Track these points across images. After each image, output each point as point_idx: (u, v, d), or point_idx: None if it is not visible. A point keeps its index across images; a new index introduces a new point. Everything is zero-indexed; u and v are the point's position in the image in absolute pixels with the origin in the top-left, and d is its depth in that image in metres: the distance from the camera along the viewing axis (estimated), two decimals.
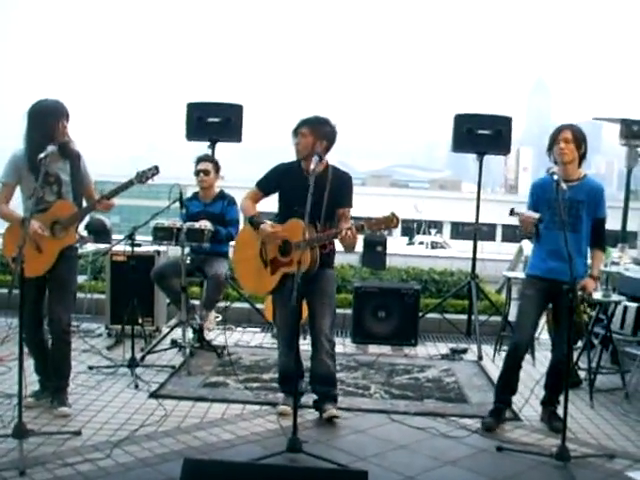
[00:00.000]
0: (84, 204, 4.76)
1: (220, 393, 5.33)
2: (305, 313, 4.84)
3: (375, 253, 9.04)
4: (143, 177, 4.79)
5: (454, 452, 4.35)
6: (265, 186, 4.85)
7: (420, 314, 7.50)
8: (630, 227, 10.17)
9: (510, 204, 5.69)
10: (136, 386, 5.35)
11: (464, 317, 7.95)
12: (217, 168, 6.66)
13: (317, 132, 4.68)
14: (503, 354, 5.17)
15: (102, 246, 7.56)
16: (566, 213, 4.53)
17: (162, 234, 6.01)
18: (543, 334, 6.91)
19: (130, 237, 5.80)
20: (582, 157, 4.75)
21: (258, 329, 7.62)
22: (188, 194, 6.71)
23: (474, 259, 7.85)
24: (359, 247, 9.38)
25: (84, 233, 7.18)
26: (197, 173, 6.56)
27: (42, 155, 4.24)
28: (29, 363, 4.72)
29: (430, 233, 50.56)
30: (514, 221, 4.77)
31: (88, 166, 4.82)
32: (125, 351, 5.94)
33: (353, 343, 7.21)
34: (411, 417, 4.96)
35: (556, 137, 4.70)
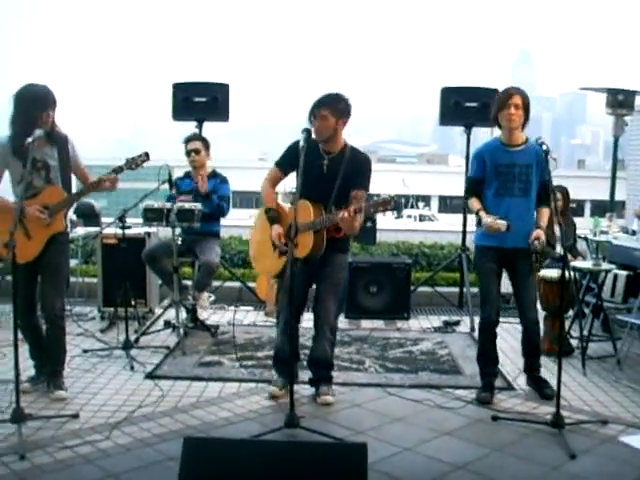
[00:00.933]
0: (73, 189, 4.74)
1: (216, 372, 5.35)
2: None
3: (365, 228, 9.02)
4: (133, 164, 4.79)
5: (450, 423, 4.39)
6: (284, 165, 4.74)
7: (412, 288, 7.54)
8: (617, 197, 10.21)
9: None
10: (132, 368, 5.36)
11: (456, 290, 8.00)
12: (207, 146, 6.63)
13: (337, 112, 4.53)
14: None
15: (92, 229, 7.53)
16: (517, 179, 4.65)
17: (152, 215, 5.99)
18: None
19: (121, 219, 5.78)
20: (526, 122, 4.74)
21: (251, 307, 7.64)
22: (176, 175, 6.68)
23: (464, 232, 7.87)
24: None
25: (73, 217, 7.16)
26: (188, 153, 6.53)
27: (30, 139, 4.22)
28: (24, 349, 4.72)
29: (418, 207, 50.59)
30: None
31: (78, 149, 4.79)
32: (119, 333, 5.95)
33: (346, 318, 7.22)
34: (406, 390, 5.00)
35: (505, 102, 4.64)
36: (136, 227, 6.77)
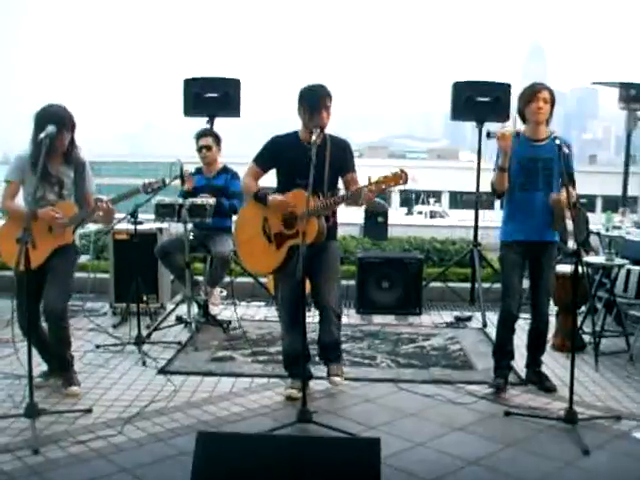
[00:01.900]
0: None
1: (228, 367, 5.36)
2: (308, 287, 4.81)
3: (376, 224, 9.05)
4: (149, 188, 4.95)
5: (463, 418, 4.39)
6: (263, 162, 4.71)
7: (424, 283, 7.52)
8: (630, 192, 10.17)
9: None
10: (144, 363, 5.37)
11: (467, 285, 7.98)
12: (218, 141, 6.65)
13: (331, 100, 4.63)
14: None
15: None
16: (541, 173, 4.68)
17: (164, 211, 5.99)
18: None
19: (133, 215, 5.79)
20: (550, 117, 4.77)
21: (262, 303, 7.64)
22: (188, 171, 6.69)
23: (476, 227, 7.85)
24: (360, 218, 9.41)
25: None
26: (200, 149, 6.55)
27: (42, 135, 4.24)
28: None
29: (429, 203, 50.51)
30: None
31: (92, 176, 4.85)
32: (131, 329, 5.96)
33: (358, 314, 7.23)
34: (418, 385, 4.99)
35: (533, 96, 4.66)
36: (148, 223, 6.78)
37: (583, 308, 6.18)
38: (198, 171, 6.66)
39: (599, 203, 45.60)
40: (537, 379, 4.98)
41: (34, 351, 4.16)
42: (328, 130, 4.70)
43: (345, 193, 4.52)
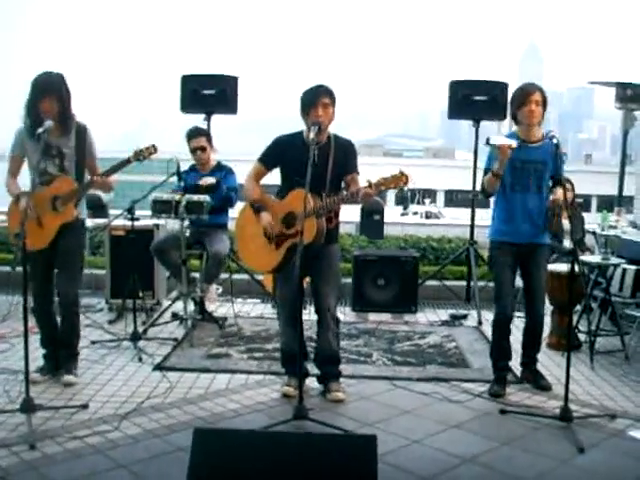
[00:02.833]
0: (87, 178, 4.77)
1: (224, 364, 5.36)
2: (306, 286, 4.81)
3: (373, 222, 9.07)
4: (141, 155, 4.83)
5: (458, 416, 4.40)
6: (267, 161, 4.70)
7: (419, 281, 7.53)
8: (626, 192, 10.18)
9: None
10: (140, 359, 5.38)
11: (463, 283, 7.99)
12: (210, 139, 6.63)
13: (334, 99, 4.56)
14: None
15: (100, 221, 7.54)
16: (533, 175, 4.67)
17: (161, 207, 5.99)
18: None
19: (130, 211, 5.78)
20: (543, 118, 4.75)
21: (258, 300, 7.65)
22: (183, 168, 6.67)
23: (472, 226, 7.86)
24: (356, 216, 9.41)
25: None
26: (193, 151, 6.51)
27: (40, 130, 4.28)
28: (34, 339, 4.75)
29: (424, 203, 50.46)
30: None
31: (95, 142, 4.84)
32: (127, 325, 5.97)
33: (353, 311, 7.24)
34: (414, 383, 5.01)
35: (526, 98, 4.64)
36: (144, 219, 6.78)
37: (579, 307, 6.19)
38: (192, 168, 6.65)
39: (594, 203, 45.66)
40: (532, 377, 5.00)
41: (31, 346, 4.15)
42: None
43: (345, 194, 4.47)
